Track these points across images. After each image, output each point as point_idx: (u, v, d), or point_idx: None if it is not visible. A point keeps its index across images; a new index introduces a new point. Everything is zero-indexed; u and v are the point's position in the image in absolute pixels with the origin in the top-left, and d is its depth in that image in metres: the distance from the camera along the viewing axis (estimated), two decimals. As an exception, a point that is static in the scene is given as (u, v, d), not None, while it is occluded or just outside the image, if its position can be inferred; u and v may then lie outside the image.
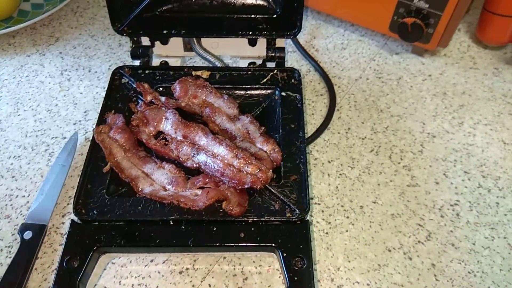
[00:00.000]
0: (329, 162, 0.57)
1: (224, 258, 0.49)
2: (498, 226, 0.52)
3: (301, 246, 0.41)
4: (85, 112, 0.62)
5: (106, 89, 0.55)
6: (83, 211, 0.43)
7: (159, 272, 0.48)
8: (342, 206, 0.53)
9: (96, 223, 0.42)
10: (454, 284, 0.47)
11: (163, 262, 0.49)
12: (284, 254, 0.40)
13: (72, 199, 0.45)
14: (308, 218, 0.44)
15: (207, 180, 0.46)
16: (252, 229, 0.42)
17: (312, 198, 0.54)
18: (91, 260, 0.41)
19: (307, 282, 0.39)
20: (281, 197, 0.44)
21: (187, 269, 0.48)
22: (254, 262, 0.48)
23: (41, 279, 0.48)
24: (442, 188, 0.55)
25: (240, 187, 0.45)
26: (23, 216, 0.52)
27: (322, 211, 0.53)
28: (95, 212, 0.43)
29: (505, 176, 0.56)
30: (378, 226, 0.51)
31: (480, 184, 0.55)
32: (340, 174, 0.56)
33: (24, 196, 0.54)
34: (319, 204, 0.53)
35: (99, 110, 0.54)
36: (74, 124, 0.61)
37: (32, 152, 0.58)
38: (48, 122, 0.62)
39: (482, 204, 0.53)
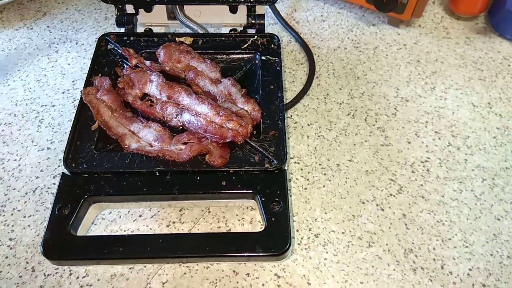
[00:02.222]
0: (308, 125, 0.60)
1: (209, 212, 0.52)
2: (466, 180, 0.55)
3: (278, 192, 0.44)
4: (73, 81, 0.65)
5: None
6: (73, 164, 0.46)
7: (147, 226, 0.51)
8: (320, 164, 0.56)
9: (86, 175, 0.45)
10: (424, 232, 0.51)
11: (151, 217, 0.52)
12: (263, 199, 0.43)
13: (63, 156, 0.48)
14: (285, 168, 0.47)
15: (191, 136, 0.49)
16: (233, 178, 0.45)
17: (292, 158, 0.57)
18: (81, 208, 0.43)
19: (284, 222, 0.42)
20: (261, 149, 0.47)
21: (174, 222, 0.51)
22: (237, 215, 0.51)
23: (34, 234, 0.50)
24: (414, 146, 0.58)
25: (222, 141, 0.47)
26: (15, 178, 0.55)
27: (301, 169, 0.56)
28: (85, 166, 0.45)
29: (474, 135, 0.59)
30: (353, 182, 0.55)
31: (449, 143, 0.59)
32: (319, 136, 0.59)
33: (15, 160, 0.56)
34: (298, 163, 0.56)
35: (86, 77, 0.56)
36: (63, 92, 0.63)
37: (23, 119, 0.60)
38: (37, 91, 0.64)
39: (451, 160, 0.57)
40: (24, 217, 0.51)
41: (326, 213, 0.52)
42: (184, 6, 0.60)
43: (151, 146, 0.48)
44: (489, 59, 0.68)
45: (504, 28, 0.70)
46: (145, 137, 0.49)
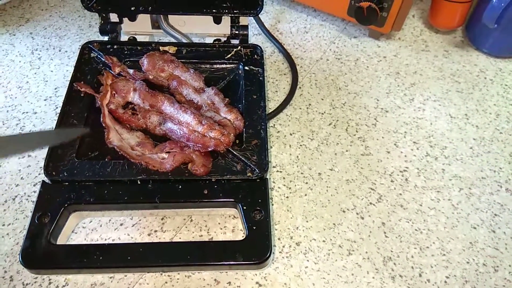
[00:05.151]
0: (290, 134, 0.61)
1: (191, 221, 0.52)
2: (443, 189, 0.57)
3: (260, 201, 0.44)
4: (55, 88, 0.64)
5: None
6: (54, 172, 0.45)
7: (128, 235, 0.51)
8: (302, 173, 0.57)
9: (66, 183, 0.45)
10: (402, 240, 0.52)
11: (132, 226, 0.51)
12: (244, 208, 0.44)
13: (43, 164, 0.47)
14: (267, 177, 0.47)
15: (174, 146, 0.49)
16: (215, 186, 0.45)
17: (274, 167, 0.57)
18: (61, 217, 0.43)
19: (265, 231, 0.42)
20: (243, 158, 0.47)
21: (155, 231, 0.51)
22: (219, 224, 0.52)
23: (13, 243, 0.50)
24: (393, 156, 0.59)
25: (204, 150, 0.48)
26: (-5, 185, 0.54)
27: (284, 178, 0.56)
28: (66, 174, 0.45)
29: (451, 146, 0.61)
30: (334, 190, 0.56)
31: (427, 153, 0.60)
32: (301, 145, 0.60)
33: (-5, 168, 0.56)
34: (280, 171, 0.57)
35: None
36: (45, 100, 0.63)
37: (3, 126, 0.60)
38: (19, 98, 0.63)
39: (429, 170, 0.58)
40: (3, 225, 0.51)
41: (307, 221, 0.53)
42: (169, 15, 0.61)
43: (133, 150, 0.48)
44: (466, 72, 0.70)
45: (481, 42, 0.72)
46: (127, 140, 0.49)
